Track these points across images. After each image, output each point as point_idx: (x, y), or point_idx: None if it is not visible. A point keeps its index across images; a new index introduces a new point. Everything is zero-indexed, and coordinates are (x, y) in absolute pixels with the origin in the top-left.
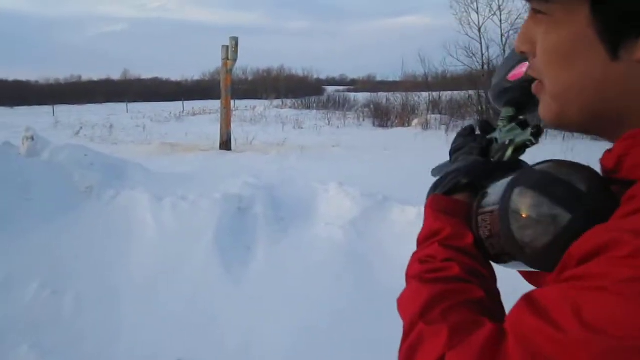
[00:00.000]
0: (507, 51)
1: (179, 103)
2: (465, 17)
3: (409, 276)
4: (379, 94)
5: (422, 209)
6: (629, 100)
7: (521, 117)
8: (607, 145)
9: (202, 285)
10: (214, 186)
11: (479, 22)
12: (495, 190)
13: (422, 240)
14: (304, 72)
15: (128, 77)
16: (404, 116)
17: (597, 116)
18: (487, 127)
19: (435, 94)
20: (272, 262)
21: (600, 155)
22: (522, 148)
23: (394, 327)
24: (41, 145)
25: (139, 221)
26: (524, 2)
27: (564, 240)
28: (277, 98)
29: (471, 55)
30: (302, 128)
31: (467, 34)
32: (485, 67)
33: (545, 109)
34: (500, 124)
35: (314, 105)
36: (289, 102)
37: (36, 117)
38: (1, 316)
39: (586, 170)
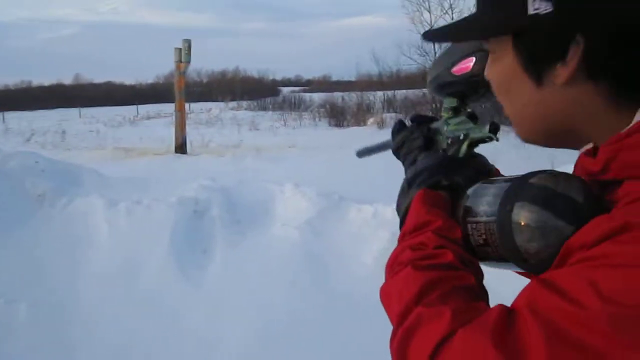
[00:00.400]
0: None
1: (133, 107)
2: (418, 15)
3: (399, 263)
4: (335, 94)
5: (378, 207)
6: (569, 118)
7: (469, 110)
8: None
9: (160, 289)
10: (170, 190)
11: (431, 21)
12: (484, 200)
13: (411, 231)
14: (259, 73)
15: (80, 81)
16: (360, 115)
17: (551, 135)
18: (420, 118)
19: (390, 92)
20: (230, 265)
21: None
22: (478, 143)
23: (350, 327)
24: None
25: (94, 227)
26: (474, 1)
27: None
28: (232, 100)
29: (424, 53)
30: (258, 129)
31: (419, 33)
32: None
33: (513, 129)
34: (444, 114)
35: (270, 106)
36: (244, 103)
37: None
38: None
39: (578, 180)
